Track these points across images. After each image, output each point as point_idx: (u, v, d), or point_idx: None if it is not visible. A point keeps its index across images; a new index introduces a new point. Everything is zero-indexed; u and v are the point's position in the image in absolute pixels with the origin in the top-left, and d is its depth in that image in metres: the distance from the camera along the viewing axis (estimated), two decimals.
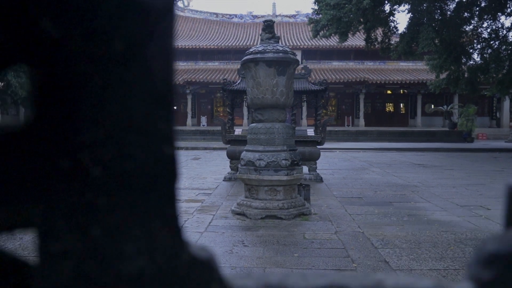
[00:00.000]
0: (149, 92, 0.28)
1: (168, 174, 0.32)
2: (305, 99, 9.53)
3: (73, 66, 0.26)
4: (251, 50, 5.70)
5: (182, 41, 36.00)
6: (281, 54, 5.51)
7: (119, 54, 0.26)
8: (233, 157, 8.62)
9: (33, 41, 0.24)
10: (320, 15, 16.69)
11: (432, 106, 30.49)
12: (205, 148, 19.10)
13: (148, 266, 0.28)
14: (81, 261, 0.28)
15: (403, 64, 31.16)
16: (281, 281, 0.28)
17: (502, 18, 58.27)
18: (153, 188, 0.32)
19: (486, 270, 0.28)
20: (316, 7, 16.86)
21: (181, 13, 43.01)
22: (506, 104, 30.79)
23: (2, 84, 21.54)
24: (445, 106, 29.38)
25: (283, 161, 5.27)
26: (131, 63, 0.26)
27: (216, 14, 43.56)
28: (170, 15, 0.25)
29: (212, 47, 35.57)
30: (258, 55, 5.51)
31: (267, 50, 5.54)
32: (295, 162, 5.43)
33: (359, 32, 17.95)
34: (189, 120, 31.22)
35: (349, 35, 17.23)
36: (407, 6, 16.26)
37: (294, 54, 5.83)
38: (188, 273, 0.31)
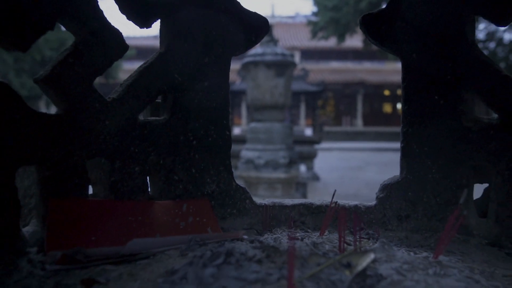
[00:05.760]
0: (220, 105, 0.56)
1: (226, 144, 0.59)
2: (303, 99, 9.80)
3: (196, 99, 0.54)
4: (251, 52, 5.93)
5: None
6: (279, 56, 5.74)
7: (205, 88, 0.54)
8: (233, 156, 8.88)
9: (171, 89, 0.52)
10: (319, 17, 16.93)
11: None
12: None
13: (216, 189, 0.56)
14: (186, 185, 0.55)
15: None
16: (280, 200, 0.56)
17: None
18: (220, 151, 0.59)
19: (381, 192, 0.55)
20: (314, 9, 17.10)
21: None
22: None
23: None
24: None
25: (282, 160, 5.51)
26: (210, 92, 0.54)
27: None
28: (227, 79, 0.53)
29: None
30: (258, 58, 5.74)
31: (267, 52, 5.77)
32: (293, 161, 5.67)
33: (357, 33, 18.17)
34: None
35: (347, 36, 17.45)
36: None
37: (292, 57, 6.08)
38: (235, 193, 0.57)
